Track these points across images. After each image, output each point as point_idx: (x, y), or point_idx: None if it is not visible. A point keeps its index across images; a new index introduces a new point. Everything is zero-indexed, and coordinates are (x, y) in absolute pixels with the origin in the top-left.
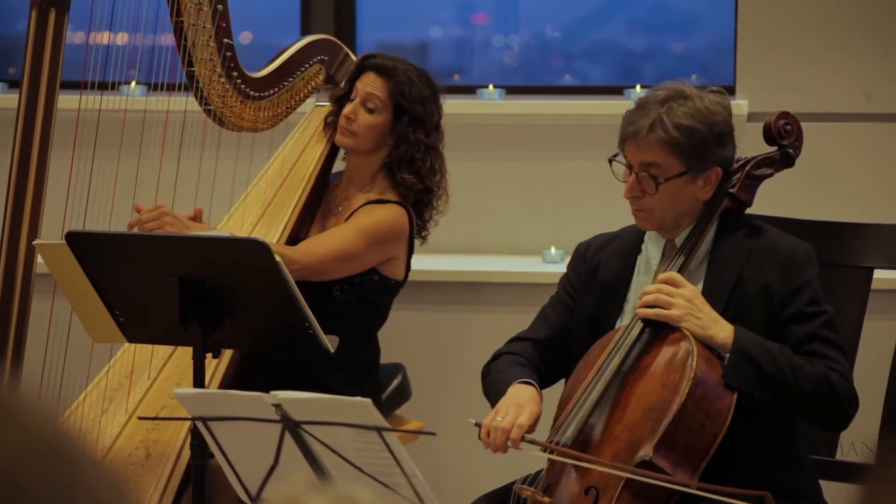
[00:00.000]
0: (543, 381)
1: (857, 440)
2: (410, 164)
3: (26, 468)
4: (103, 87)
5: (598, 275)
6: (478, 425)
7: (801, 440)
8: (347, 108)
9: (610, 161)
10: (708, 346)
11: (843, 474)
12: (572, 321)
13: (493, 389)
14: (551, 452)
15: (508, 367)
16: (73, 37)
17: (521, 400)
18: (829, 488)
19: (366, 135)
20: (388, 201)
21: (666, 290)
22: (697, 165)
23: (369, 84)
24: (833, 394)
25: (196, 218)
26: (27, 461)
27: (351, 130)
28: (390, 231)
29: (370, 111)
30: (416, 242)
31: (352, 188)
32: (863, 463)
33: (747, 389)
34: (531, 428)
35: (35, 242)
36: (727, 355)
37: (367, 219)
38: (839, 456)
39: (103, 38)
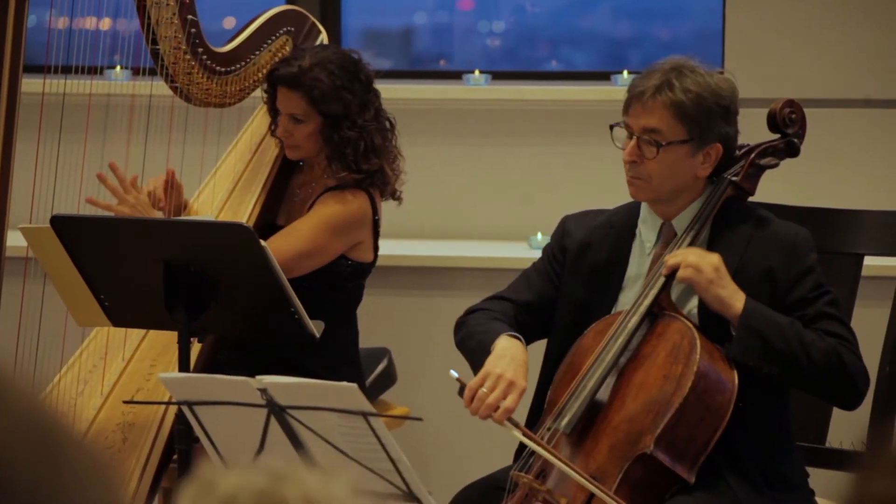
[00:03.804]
0: None
1: (847, 427)
2: (342, 159)
3: (16, 451)
4: (66, 70)
5: (590, 256)
6: (459, 381)
7: (792, 430)
8: (280, 131)
9: (611, 128)
10: (713, 330)
11: (832, 461)
12: (556, 295)
13: (476, 340)
14: (536, 443)
15: (488, 321)
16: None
17: (511, 372)
18: (818, 475)
19: (307, 143)
20: (347, 186)
21: (698, 253)
22: (700, 136)
23: (284, 101)
24: (843, 369)
25: (168, 179)
26: (16, 444)
27: (293, 145)
28: (351, 218)
29: (299, 121)
30: (400, 218)
31: (311, 174)
32: (852, 450)
33: (755, 364)
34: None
35: (20, 227)
36: (734, 332)
37: (326, 210)
38: (829, 443)
39: (72, 21)
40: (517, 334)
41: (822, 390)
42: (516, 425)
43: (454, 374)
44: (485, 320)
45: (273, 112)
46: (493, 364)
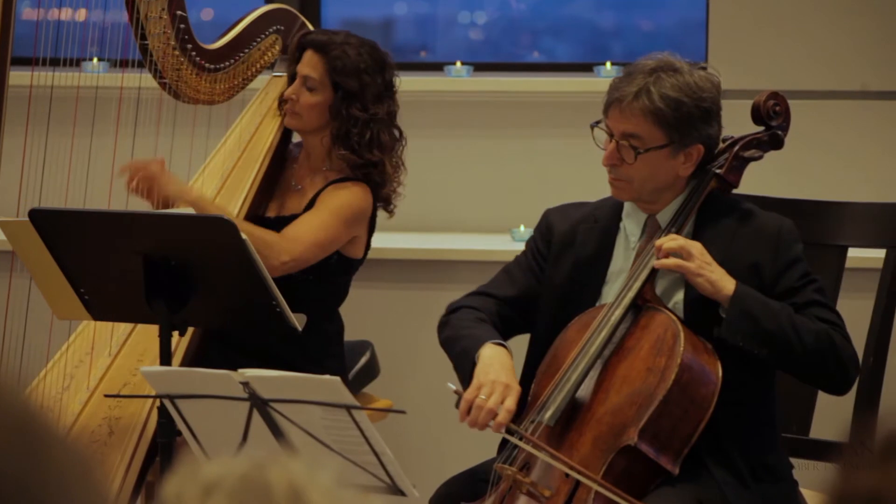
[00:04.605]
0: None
1: (831, 418)
2: (345, 139)
3: (1, 448)
4: (55, 63)
5: (574, 250)
6: (457, 393)
7: (778, 421)
8: (289, 90)
9: (592, 127)
10: (698, 322)
11: (816, 452)
12: (540, 289)
13: (460, 345)
14: (533, 446)
15: (473, 322)
16: (31, 13)
17: (504, 376)
18: (802, 466)
19: (308, 114)
20: (350, 178)
21: (682, 241)
22: (680, 140)
23: (307, 63)
24: (835, 352)
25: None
26: (1, 440)
27: (294, 111)
28: (358, 210)
29: (311, 90)
30: (385, 216)
31: (311, 166)
32: (837, 441)
33: (745, 345)
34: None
35: None
36: (724, 314)
37: (336, 200)
38: (812, 434)
39: (56, 13)
40: (501, 341)
41: (812, 374)
42: (514, 432)
43: (451, 386)
44: (468, 322)
45: (293, 80)
46: (483, 374)
